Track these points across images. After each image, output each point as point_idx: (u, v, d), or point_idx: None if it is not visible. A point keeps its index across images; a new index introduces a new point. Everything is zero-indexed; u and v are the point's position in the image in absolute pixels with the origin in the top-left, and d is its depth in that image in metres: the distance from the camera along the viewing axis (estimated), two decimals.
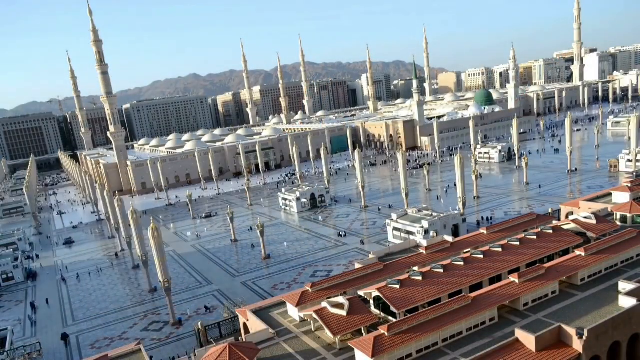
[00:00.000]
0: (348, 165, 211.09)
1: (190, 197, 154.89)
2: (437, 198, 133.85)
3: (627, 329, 43.75)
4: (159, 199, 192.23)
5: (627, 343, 44.15)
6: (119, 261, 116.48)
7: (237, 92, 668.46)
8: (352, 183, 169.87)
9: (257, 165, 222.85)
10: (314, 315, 49.91)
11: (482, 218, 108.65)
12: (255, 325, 57.25)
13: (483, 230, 72.71)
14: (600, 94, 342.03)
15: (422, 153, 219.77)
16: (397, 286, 52.61)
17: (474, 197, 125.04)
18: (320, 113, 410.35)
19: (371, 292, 54.43)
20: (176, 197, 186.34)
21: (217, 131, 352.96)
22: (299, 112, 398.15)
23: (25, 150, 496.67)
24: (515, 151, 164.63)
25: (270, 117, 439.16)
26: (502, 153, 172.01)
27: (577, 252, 57.05)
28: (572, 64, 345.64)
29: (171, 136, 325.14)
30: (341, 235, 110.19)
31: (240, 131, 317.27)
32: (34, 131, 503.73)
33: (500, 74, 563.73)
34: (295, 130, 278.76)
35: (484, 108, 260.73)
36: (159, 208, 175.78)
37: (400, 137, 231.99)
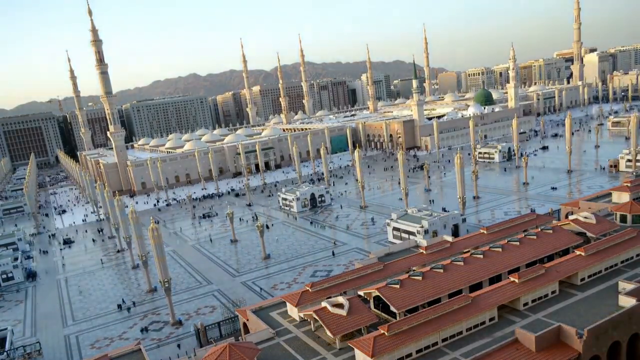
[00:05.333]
0: (347, 166, 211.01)
1: (190, 197, 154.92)
2: (431, 202, 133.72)
3: (627, 329, 43.76)
4: (158, 198, 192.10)
5: (627, 343, 44.16)
6: (119, 261, 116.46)
7: (237, 91, 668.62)
8: (352, 183, 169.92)
9: (257, 165, 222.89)
10: (314, 315, 49.91)
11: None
12: (255, 325, 57.27)
13: (483, 230, 72.76)
14: (600, 94, 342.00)
15: (419, 153, 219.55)
16: (397, 286, 52.61)
17: (474, 197, 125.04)
18: (320, 113, 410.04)
19: (371, 292, 54.45)
20: (190, 195, 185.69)
21: (217, 131, 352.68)
22: (299, 112, 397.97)
23: (25, 150, 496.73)
24: (515, 151, 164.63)
25: (270, 117, 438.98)
26: (502, 153, 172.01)
27: (577, 252, 57.07)
28: (572, 64, 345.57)
29: (171, 136, 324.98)
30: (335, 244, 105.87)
31: (240, 131, 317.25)
32: (34, 131, 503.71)
33: (500, 73, 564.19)
34: (295, 130, 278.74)
35: (484, 108, 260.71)
36: (159, 208, 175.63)
37: (400, 137, 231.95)
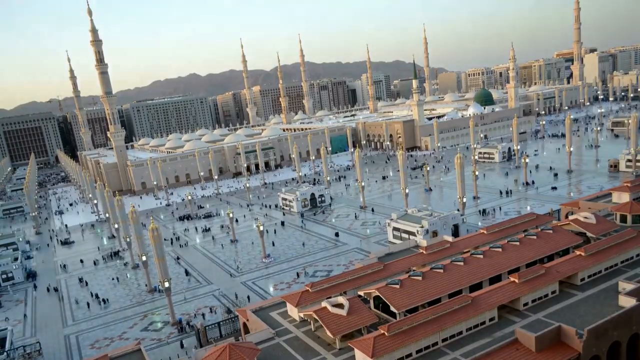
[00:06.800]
0: (347, 167, 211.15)
1: (190, 198, 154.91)
2: (428, 203, 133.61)
3: (627, 329, 43.74)
4: (158, 198, 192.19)
5: (627, 343, 44.13)
6: (119, 261, 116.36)
7: (237, 92, 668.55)
8: (352, 183, 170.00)
9: (257, 165, 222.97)
10: (314, 315, 49.88)
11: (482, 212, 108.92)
12: (255, 325, 57.26)
13: (483, 231, 72.73)
14: (600, 94, 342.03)
15: (422, 154, 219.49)
16: (397, 286, 52.58)
17: (474, 197, 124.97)
18: (320, 113, 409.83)
19: (371, 292, 54.43)
20: (189, 195, 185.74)
21: (217, 131, 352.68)
22: (299, 112, 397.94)
23: (25, 150, 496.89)
24: (515, 151, 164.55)
25: (270, 117, 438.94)
26: (503, 153, 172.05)
27: (577, 252, 57.05)
28: (572, 64, 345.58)
29: (171, 136, 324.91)
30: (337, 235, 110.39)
31: (240, 131, 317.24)
32: (34, 131, 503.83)
33: (500, 73, 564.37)
34: (295, 130, 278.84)
35: (484, 108, 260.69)
36: (158, 208, 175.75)
37: (400, 137, 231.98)
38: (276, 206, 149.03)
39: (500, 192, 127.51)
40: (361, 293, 56.22)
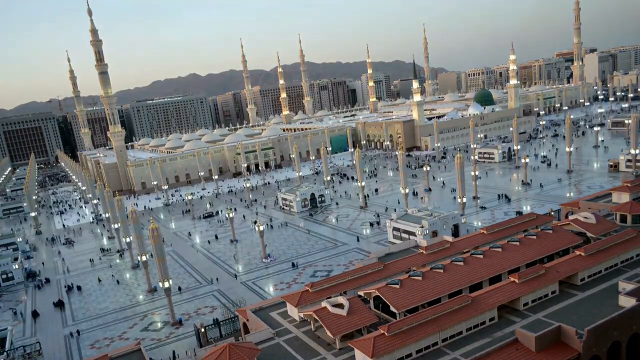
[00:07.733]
0: (347, 166, 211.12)
1: (190, 199, 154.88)
2: (433, 205, 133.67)
3: (627, 329, 43.72)
4: (159, 198, 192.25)
5: (627, 343, 44.11)
6: (119, 261, 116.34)
7: (237, 92, 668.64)
8: (351, 183, 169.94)
9: (257, 165, 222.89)
10: (314, 315, 49.86)
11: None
12: (255, 325, 57.25)
13: (483, 231, 72.73)
14: (600, 94, 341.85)
15: (423, 154, 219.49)
16: (397, 286, 52.57)
17: (473, 197, 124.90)
18: (320, 113, 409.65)
19: (371, 292, 54.42)
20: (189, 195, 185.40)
21: (217, 131, 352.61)
22: (299, 112, 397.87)
23: (25, 150, 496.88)
24: (515, 151, 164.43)
25: (270, 117, 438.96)
26: (503, 153, 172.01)
27: (577, 252, 57.03)
28: (572, 64, 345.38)
29: (171, 136, 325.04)
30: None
31: (240, 131, 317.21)
32: (34, 131, 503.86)
33: (500, 73, 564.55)
34: (295, 130, 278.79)
35: (484, 108, 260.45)
36: (158, 208, 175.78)
37: (400, 137, 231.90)
38: (281, 208, 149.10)
39: (499, 196, 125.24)
40: (361, 293, 56.21)
